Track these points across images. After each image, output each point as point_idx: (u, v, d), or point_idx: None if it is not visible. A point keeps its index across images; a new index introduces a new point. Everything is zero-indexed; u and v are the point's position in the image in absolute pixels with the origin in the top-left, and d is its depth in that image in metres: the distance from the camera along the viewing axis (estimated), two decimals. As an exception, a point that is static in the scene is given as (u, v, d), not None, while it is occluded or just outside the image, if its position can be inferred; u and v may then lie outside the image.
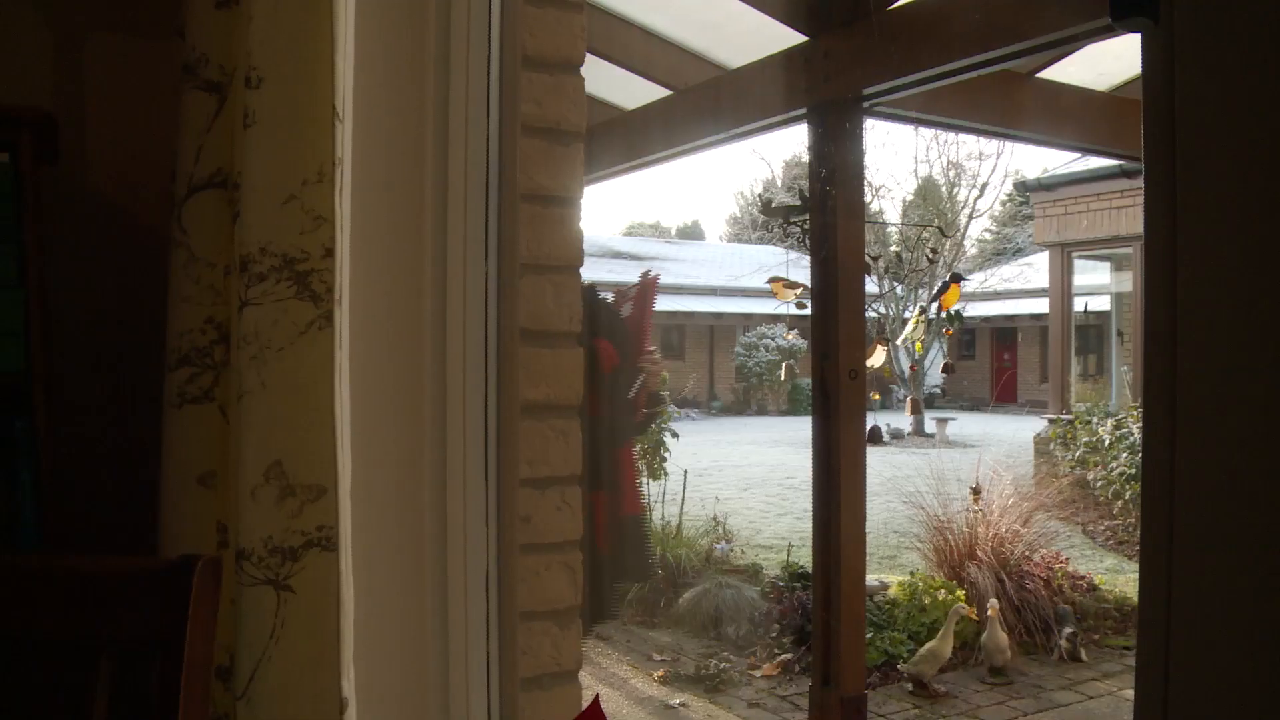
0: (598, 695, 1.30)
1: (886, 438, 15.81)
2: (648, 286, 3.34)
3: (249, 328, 1.30)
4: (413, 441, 1.62)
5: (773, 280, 7.36)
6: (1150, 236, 0.77)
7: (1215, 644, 0.75)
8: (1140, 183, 0.80)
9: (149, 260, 1.55)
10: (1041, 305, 13.89)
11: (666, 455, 8.36)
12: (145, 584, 1.19)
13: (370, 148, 1.53)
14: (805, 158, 4.63)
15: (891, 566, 7.07)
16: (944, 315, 7.96)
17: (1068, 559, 6.50)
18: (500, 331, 1.67)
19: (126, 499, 1.59)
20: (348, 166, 1.37)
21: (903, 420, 17.42)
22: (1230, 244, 0.73)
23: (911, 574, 6.26)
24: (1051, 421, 10.10)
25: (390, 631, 1.59)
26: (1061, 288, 11.01)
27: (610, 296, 3.43)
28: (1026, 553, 6.20)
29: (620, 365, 3.00)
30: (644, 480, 8.20)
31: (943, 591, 5.85)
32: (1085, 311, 12.62)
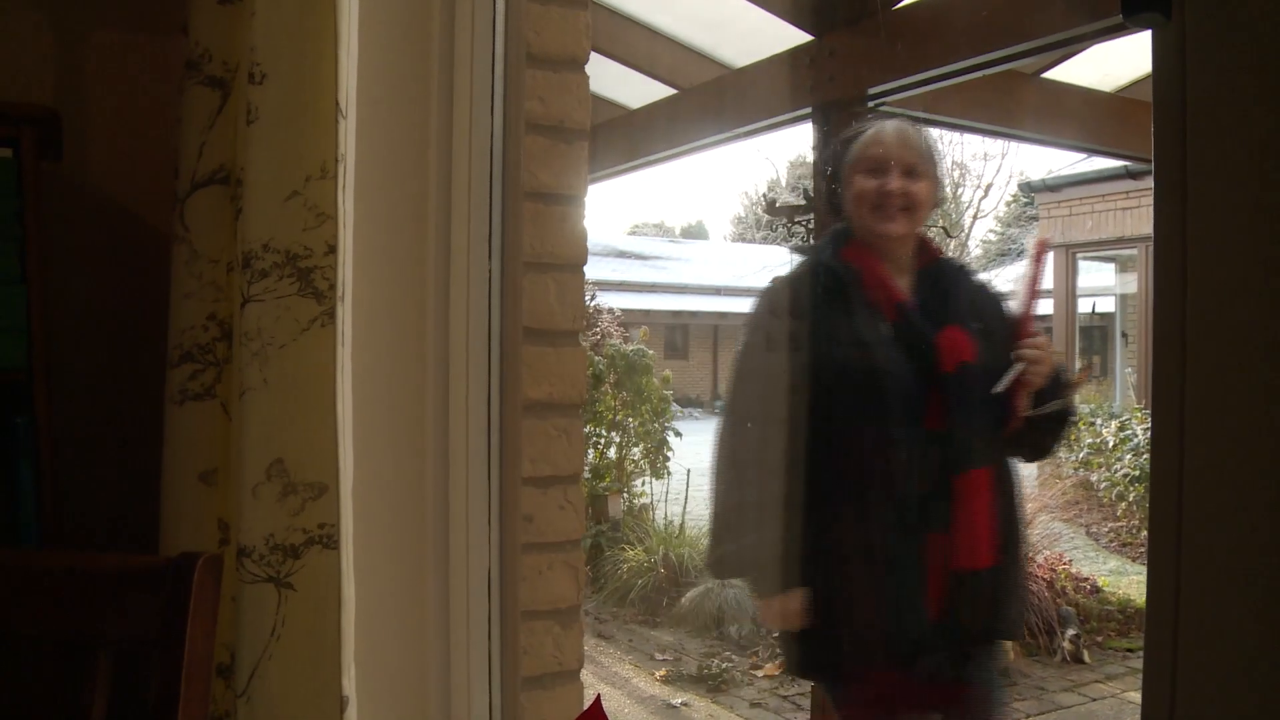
0: (599, 695, 1.29)
1: (890, 438, 15.74)
2: (1035, 254, 2.55)
3: (251, 324, 1.30)
4: (415, 439, 1.62)
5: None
6: (1160, 236, 0.76)
7: (1224, 646, 0.75)
8: (1146, 184, 0.79)
9: (151, 257, 1.55)
10: (1045, 306, 13.85)
11: (670, 454, 8.36)
12: (146, 581, 1.18)
13: (374, 144, 1.52)
14: (809, 157, 4.63)
15: (894, 567, 7.03)
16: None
17: (1071, 561, 6.48)
18: (503, 329, 1.67)
19: (128, 496, 1.58)
20: (351, 163, 1.36)
21: (906, 421, 17.33)
22: (1242, 243, 0.73)
23: (914, 575, 6.23)
24: (1055, 423, 10.03)
25: (391, 630, 1.59)
26: (1066, 289, 10.97)
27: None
28: (1029, 554, 6.18)
29: (976, 360, 2.22)
30: (648, 479, 8.21)
31: (946, 592, 5.83)
32: (1091, 313, 12.59)
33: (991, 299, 2.40)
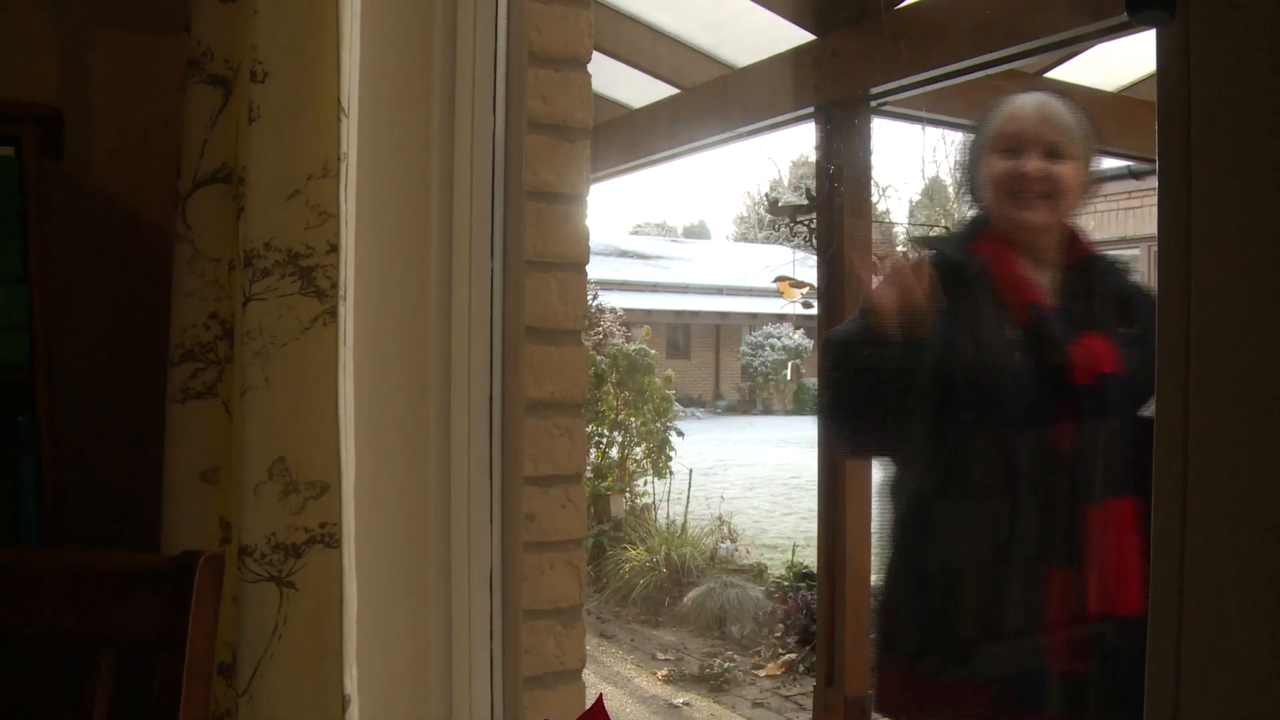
0: (600, 695, 1.29)
1: (892, 438, 15.74)
2: None
3: (253, 323, 1.29)
4: (417, 438, 1.62)
5: (779, 279, 7.35)
6: (1164, 236, 0.76)
7: (1228, 647, 0.74)
8: (1148, 184, 0.79)
9: (153, 255, 1.55)
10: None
11: (672, 454, 8.37)
12: (147, 580, 1.18)
13: (375, 143, 1.52)
14: (812, 157, 4.62)
15: (896, 567, 7.03)
16: (950, 316, 7.92)
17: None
18: (505, 329, 1.67)
19: (129, 494, 1.58)
20: (353, 162, 1.36)
21: (908, 420, 17.32)
22: (1247, 243, 0.72)
23: (916, 574, 6.23)
24: (1057, 423, 10.03)
25: (393, 629, 1.59)
26: (1068, 289, 10.96)
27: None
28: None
29: (1119, 372, 1.87)
30: (650, 479, 8.22)
31: (947, 592, 5.83)
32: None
33: (1140, 298, 2.03)
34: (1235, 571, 0.74)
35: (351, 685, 1.32)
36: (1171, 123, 0.75)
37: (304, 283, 1.30)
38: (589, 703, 1.39)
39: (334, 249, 1.31)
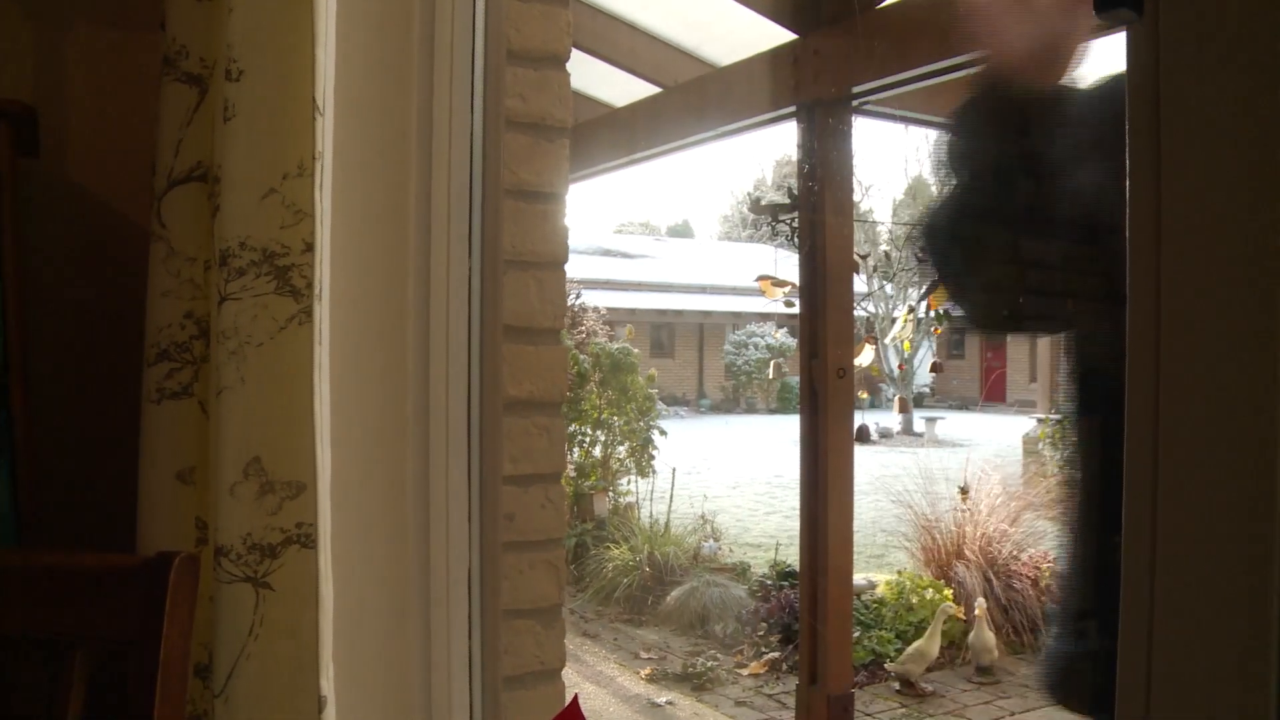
0: (576, 695, 1.29)
1: (875, 436, 15.85)
2: None
3: (228, 322, 1.29)
4: (394, 438, 1.61)
5: (761, 278, 7.36)
6: (1134, 230, 0.76)
7: (1199, 646, 0.75)
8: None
9: (129, 254, 1.54)
10: (1030, 305, 13.91)
11: (655, 453, 8.37)
12: (122, 580, 1.18)
13: (352, 142, 1.52)
14: (795, 156, 4.63)
15: (879, 565, 7.08)
16: (933, 314, 7.97)
17: (1056, 559, 6.51)
18: (483, 328, 1.66)
19: (105, 494, 1.57)
20: (329, 160, 1.35)
21: (891, 419, 17.46)
22: (1215, 241, 0.73)
23: (899, 573, 6.27)
24: (1040, 421, 10.11)
25: (371, 630, 1.58)
26: (1050, 287, 11.02)
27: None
28: (1014, 552, 6.21)
29: None
30: (633, 478, 8.22)
31: (930, 591, 5.87)
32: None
33: None
34: (1206, 571, 0.75)
35: (328, 686, 1.31)
36: (1141, 119, 0.76)
37: (279, 282, 1.30)
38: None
39: (309, 248, 1.31)
